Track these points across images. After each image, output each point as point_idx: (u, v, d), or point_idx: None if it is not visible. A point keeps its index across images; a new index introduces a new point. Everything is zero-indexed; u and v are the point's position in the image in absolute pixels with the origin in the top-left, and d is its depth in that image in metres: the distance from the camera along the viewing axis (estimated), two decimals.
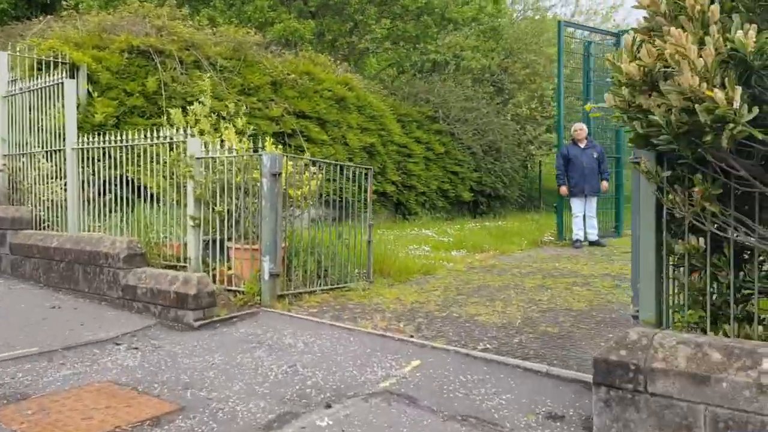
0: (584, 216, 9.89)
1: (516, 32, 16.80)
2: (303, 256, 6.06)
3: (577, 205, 9.89)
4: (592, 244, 9.88)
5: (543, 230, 11.55)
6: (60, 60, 8.49)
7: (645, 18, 3.22)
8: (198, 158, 6.25)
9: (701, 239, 3.38)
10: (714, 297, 3.40)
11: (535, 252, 9.43)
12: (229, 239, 6.13)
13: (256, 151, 6.02)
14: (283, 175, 5.73)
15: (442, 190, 14.96)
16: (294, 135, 11.76)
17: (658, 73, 3.01)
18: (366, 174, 6.81)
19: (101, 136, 7.10)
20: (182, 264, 6.39)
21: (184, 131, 6.44)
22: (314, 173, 6.38)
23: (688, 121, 2.90)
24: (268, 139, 6.29)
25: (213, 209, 6.14)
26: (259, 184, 5.80)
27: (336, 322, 5.09)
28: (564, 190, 9.91)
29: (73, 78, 8.36)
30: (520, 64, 16.74)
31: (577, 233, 9.88)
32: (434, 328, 4.89)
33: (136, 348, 4.56)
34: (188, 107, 6.96)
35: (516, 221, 13.99)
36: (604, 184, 10.03)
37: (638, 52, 3.18)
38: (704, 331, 3.35)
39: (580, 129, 9.94)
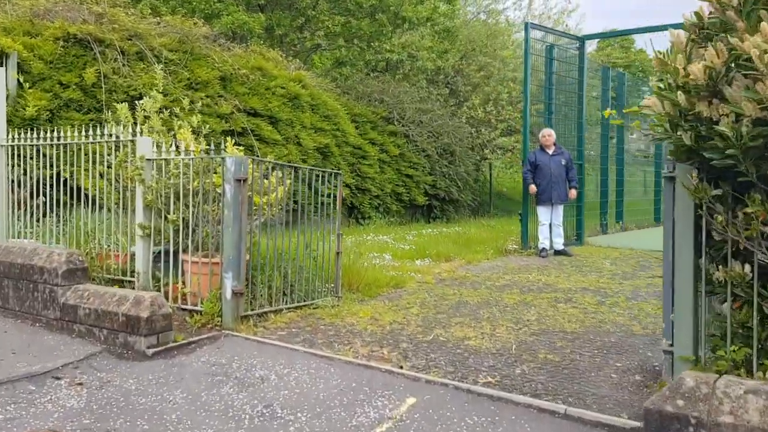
0: (550, 224, 9.59)
1: (469, 34, 16.51)
2: (268, 270, 5.45)
3: (543, 213, 9.58)
4: (557, 253, 9.59)
5: (504, 237, 11.22)
6: None
7: (704, 15, 2.80)
8: (149, 160, 5.57)
9: (746, 266, 3.00)
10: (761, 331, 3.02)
11: (502, 262, 9.06)
12: (184, 251, 5.46)
13: (211, 152, 5.38)
14: (249, 180, 5.12)
15: (396, 193, 14.49)
16: (245, 134, 11.06)
17: (722, 77, 2.59)
18: (332, 178, 6.24)
19: (34, 132, 6.30)
20: (129, 279, 5.69)
21: (133, 129, 5.74)
22: (280, 178, 5.78)
23: (762, 134, 2.49)
24: (228, 139, 5.65)
25: (166, 218, 5.46)
26: (220, 190, 5.17)
27: (311, 349, 4.53)
28: (533, 188, 9.58)
29: (1, 66, 7.47)
30: (474, 66, 16.46)
31: (543, 242, 9.57)
32: (422, 356, 4.39)
33: (81, 384, 3.87)
34: (137, 102, 6.23)
35: (473, 227, 13.67)
36: (573, 192, 9.76)
37: (691, 53, 2.76)
38: (750, 372, 2.97)
39: (548, 135, 9.63)
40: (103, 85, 9.20)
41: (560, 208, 9.66)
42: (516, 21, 18.22)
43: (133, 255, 5.72)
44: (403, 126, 14.92)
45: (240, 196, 5.03)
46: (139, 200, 5.57)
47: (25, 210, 6.41)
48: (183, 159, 5.38)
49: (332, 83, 14.75)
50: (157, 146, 5.60)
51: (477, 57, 16.50)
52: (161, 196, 5.50)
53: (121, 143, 5.77)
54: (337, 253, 6.22)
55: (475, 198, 16.89)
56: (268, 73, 12.08)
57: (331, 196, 6.45)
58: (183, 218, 5.42)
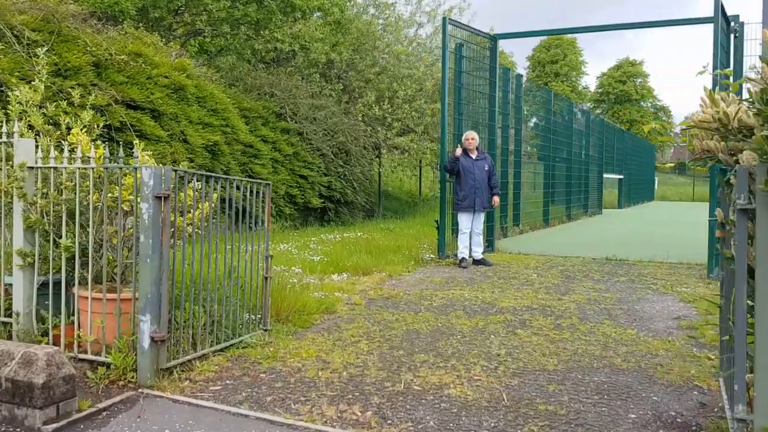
0: (470, 232, 9.11)
1: (361, 28, 15.80)
2: (191, 306, 4.41)
3: (465, 220, 9.07)
4: (477, 262, 9.13)
5: (414, 245, 10.64)
6: None
7: None
8: (31, 168, 4.34)
9: None
10: None
11: (424, 274, 8.43)
12: (81, 284, 4.30)
13: (119, 159, 4.27)
14: (173, 196, 4.06)
15: (290, 195, 13.50)
16: (123, 129, 9.65)
17: None
18: (259, 191, 5.27)
19: None
20: (4, 319, 4.42)
21: (8, 128, 4.46)
22: (200, 190, 4.74)
23: None
24: (138, 142, 4.52)
25: (56, 242, 4.27)
26: (133, 208, 4.08)
27: (263, 413, 3.60)
28: (459, 150, 9.02)
29: None
30: (368, 61, 15.77)
31: (463, 251, 9.07)
32: (404, 415, 3.60)
33: None
34: (9, 93, 4.90)
35: (374, 232, 13.00)
36: (495, 198, 9.32)
37: None
38: None
39: (471, 138, 9.11)
40: None
41: (481, 216, 9.20)
42: (405, 15, 17.68)
43: (8, 289, 4.46)
44: (296, 123, 13.95)
45: (161, 217, 3.98)
46: (18, 220, 4.32)
47: None
48: (80, 168, 4.22)
49: (217, 74, 13.47)
50: (43, 151, 4.37)
51: (371, 52, 15.83)
52: (49, 214, 4.29)
53: None
54: (266, 278, 5.27)
55: (369, 200, 16.26)
56: (149, 60, 10.68)
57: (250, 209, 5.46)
58: (79, 243, 4.26)
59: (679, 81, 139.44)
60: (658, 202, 36.28)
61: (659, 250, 10.74)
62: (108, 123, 9.41)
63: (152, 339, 3.94)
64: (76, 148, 4.40)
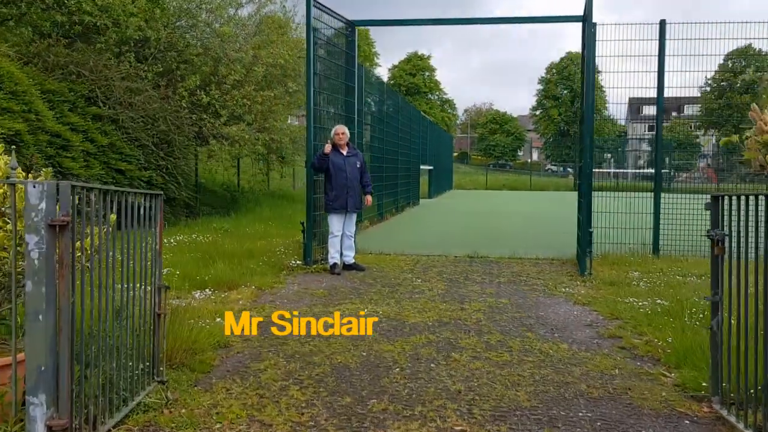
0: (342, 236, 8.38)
1: (181, 5, 14.13)
2: (81, 368, 3.21)
3: (336, 222, 8.29)
4: (348, 267, 8.43)
5: (268, 249, 9.65)
6: None
7: None
8: None
9: None
10: None
11: (300, 286, 7.55)
12: None
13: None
14: (74, 225, 2.85)
15: None
16: None
17: None
18: (151, 205, 4.09)
19: None
20: None
21: None
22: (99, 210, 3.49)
23: None
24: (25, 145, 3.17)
25: None
26: (15, 245, 2.82)
27: None
28: (329, 146, 8.22)
29: None
30: (191, 40, 14.16)
31: (335, 256, 8.31)
32: None
33: None
34: None
35: (207, 233, 11.70)
36: (369, 198, 8.62)
37: None
38: None
39: (342, 133, 8.31)
40: None
41: (354, 217, 8.49)
42: None
43: None
44: (110, 108, 12.08)
45: (58, 254, 2.78)
46: None
47: None
48: None
49: (12, 49, 11.16)
50: None
51: (190, 30, 14.22)
52: None
53: None
54: (158, 315, 4.12)
55: (193, 196, 14.75)
56: None
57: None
58: None
59: (461, 75, 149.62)
60: (457, 191, 38.27)
61: (509, 245, 10.91)
62: None
63: (49, 428, 2.74)
64: None
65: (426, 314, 6.15)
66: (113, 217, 3.38)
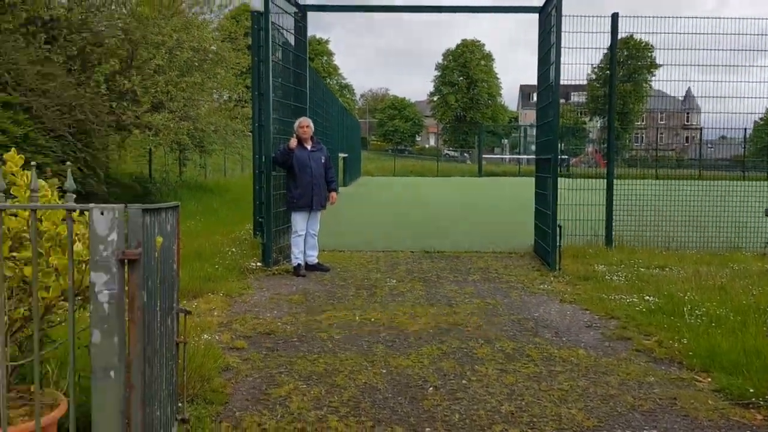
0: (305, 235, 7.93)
1: None
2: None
3: (300, 221, 7.81)
4: (312, 268, 7.99)
5: (212, 247, 9.01)
6: None
7: None
8: None
9: None
10: None
11: (270, 291, 7.05)
12: None
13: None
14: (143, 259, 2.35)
15: None
16: None
17: None
18: (168, 216, 3.55)
19: None
20: None
21: None
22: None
23: None
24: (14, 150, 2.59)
25: None
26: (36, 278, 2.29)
27: None
28: (294, 141, 7.72)
29: None
30: (106, 21, 12.99)
31: (299, 257, 7.85)
32: None
33: None
34: None
35: None
36: (333, 195, 8.16)
37: None
38: None
39: (306, 126, 7.81)
40: None
41: (318, 216, 8.03)
42: None
43: None
44: (22, 95, 10.90)
45: (129, 295, 2.28)
46: None
47: None
48: None
49: None
50: None
51: (104, 9, 13.05)
52: None
53: None
54: (177, 344, 3.62)
55: (109, 189, 13.65)
56: None
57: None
58: None
59: (356, 61, 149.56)
60: (367, 178, 38.14)
61: (455, 238, 10.83)
62: None
63: None
64: None
65: (421, 320, 5.88)
66: (159, 239, 2.87)
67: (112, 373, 2.23)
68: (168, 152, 19.83)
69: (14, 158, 2.86)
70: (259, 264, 8.19)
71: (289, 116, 8.90)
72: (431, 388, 4.24)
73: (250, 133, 19.50)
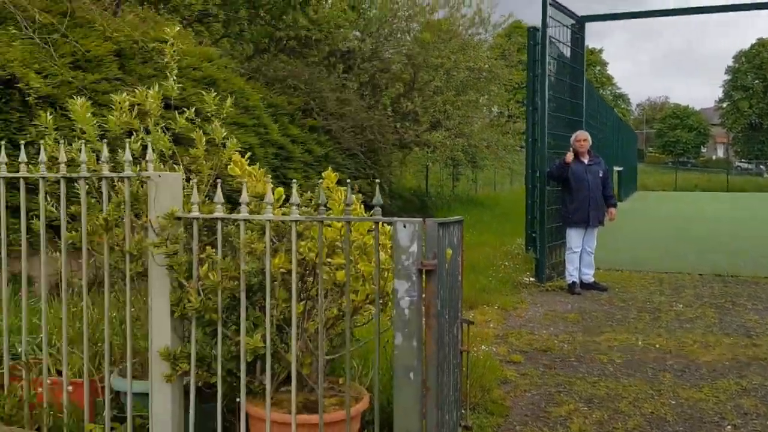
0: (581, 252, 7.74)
1: (383, 16, 14.14)
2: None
3: (575, 237, 7.67)
4: (587, 287, 7.76)
5: (485, 260, 9.22)
6: None
7: None
8: (180, 219, 2.77)
9: None
10: None
11: (544, 307, 7.03)
12: (255, 395, 2.78)
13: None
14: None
15: None
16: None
17: None
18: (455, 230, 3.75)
19: None
20: None
21: (140, 157, 2.91)
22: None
23: None
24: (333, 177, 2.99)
25: (228, 337, 2.73)
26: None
27: None
28: (570, 155, 7.61)
29: None
30: (392, 49, 14.20)
31: (573, 274, 7.69)
32: None
33: None
34: (117, 97, 3.32)
35: None
36: (612, 211, 7.91)
37: None
38: None
39: (584, 139, 7.68)
40: None
41: (594, 233, 7.79)
42: None
43: (115, 396, 2.90)
44: (324, 119, 12.33)
45: (425, 302, 2.47)
46: (161, 302, 2.74)
47: None
48: (289, 220, 2.68)
49: (240, 64, 11.74)
50: (198, 191, 2.81)
51: (397, 35, 14.20)
52: (222, 292, 2.72)
53: (107, 179, 2.87)
54: (461, 352, 3.78)
55: (393, 203, 14.78)
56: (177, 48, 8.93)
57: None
58: (263, 335, 2.72)
59: (632, 69, 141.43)
60: (644, 193, 35.79)
61: (753, 260, 9.64)
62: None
63: None
64: (241, 185, 2.85)
65: (714, 351, 5.36)
66: (449, 252, 3.05)
67: (411, 375, 2.43)
68: (443, 167, 20.78)
69: (330, 176, 3.26)
70: (532, 279, 8.18)
71: (563, 130, 8.75)
72: (729, 427, 3.84)
73: (519, 148, 19.68)
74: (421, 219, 2.53)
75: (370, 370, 3.49)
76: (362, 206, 3.49)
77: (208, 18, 12.51)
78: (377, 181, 2.96)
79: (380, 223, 2.63)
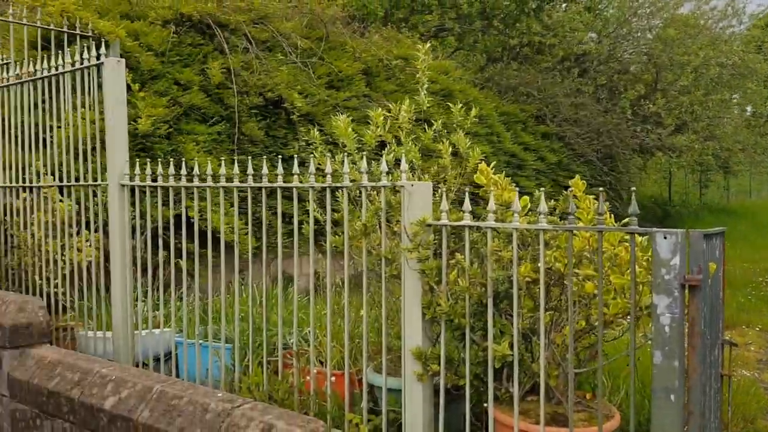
0: None
1: (622, 15, 13.37)
2: None
3: None
4: None
5: (740, 276, 8.29)
6: (80, 32, 4.96)
7: None
8: (430, 226, 2.91)
9: None
10: None
11: None
12: (500, 402, 2.80)
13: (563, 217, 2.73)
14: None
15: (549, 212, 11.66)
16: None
17: None
18: (717, 242, 3.44)
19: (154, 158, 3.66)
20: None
21: (394, 167, 3.13)
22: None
23: None
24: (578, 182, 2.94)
25: (475, 342, 2.80)
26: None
27: None
28: None
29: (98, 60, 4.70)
30: (631, 49, 13.43)
31: None
32: None
33: None
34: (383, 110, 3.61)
35: None
36: None
37: None
38: None
39: None
40: (233, 85, 6.61)
41: None
42: None
43: (370, 390, 3.10)
44: (557, 126, 12.06)
45: (689, 319, 2.31)
46: (414, 304, 2.90)
47: (151, 276, 3.84)
48: (537, 229, 2.71)
49: (473, 75, 11.98)
50: (447, 200, 2.93)
51: (636, 35, 13.39)
52: (470, 298, 2.81)
53: (365, 188, 3.12)
54: (722, 376, 3.45)
55: (645, 212, 13.96)
56: (413, 63, 9.40)
57: None
58: (511, 343, 2.74)
59: None
60: None
61: None
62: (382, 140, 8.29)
63: None
64: (488, 195, 2.91)
65: None
66: (713, 266, 2.82)
67: (672, 396, 2.28)
68: (688, 173, 19.17)
69: (578, 184, 3.20)
70: None
71: None
72: None
73: None
74: (683, 230, 2.37)
75: (619, 387, 3.35)
76: (612, 216, 3.36)
77: (444, 32, 12.91)
78: (633, 189, 2.82)
79: (635, 234, 2.50)
